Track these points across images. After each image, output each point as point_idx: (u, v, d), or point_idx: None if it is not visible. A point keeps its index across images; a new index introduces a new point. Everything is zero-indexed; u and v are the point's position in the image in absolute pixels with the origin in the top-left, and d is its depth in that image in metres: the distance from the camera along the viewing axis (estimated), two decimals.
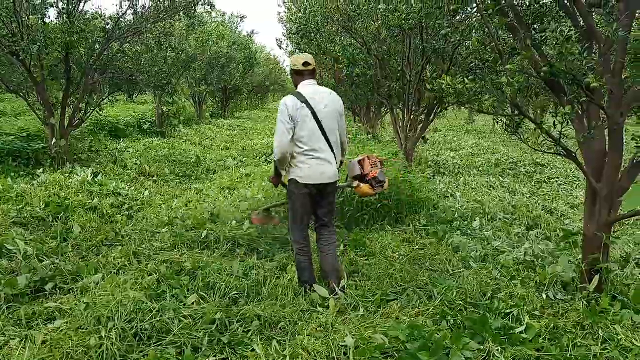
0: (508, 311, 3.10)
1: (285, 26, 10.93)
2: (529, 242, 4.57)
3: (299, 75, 3.43)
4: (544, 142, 3.45)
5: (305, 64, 3.39)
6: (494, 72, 3.62)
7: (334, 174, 3.44)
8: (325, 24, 8.21)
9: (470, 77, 3.44)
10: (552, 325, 2.90)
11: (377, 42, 7.84)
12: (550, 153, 3.36)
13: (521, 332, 2.82)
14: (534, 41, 3.33)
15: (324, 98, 3.36)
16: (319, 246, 3.63)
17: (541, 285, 3.63)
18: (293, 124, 3.24)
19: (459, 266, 4.07)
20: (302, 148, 3.30)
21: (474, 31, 5.02)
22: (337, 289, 3.44)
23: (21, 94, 7.50)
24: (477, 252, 4.36)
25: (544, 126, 3.24)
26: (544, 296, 3.35)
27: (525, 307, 3.16)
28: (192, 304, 3.02)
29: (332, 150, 3.41)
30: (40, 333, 2.53)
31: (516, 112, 3.45)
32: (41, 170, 6.40)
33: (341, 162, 3.66)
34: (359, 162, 3.65)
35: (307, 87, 3.37)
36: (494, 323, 2.87)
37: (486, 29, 3.53)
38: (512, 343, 2.72)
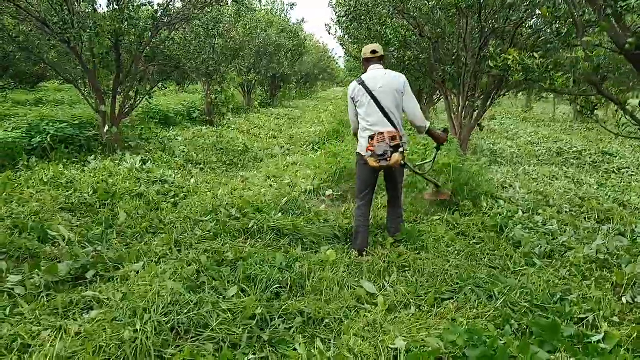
0: (582, 316, 2.75)
1: (334, 10, 10.61)
2: (602, 237, 4.12)
3: (367, 61, 3.86)
4: (626, 126, 3.03)
5: (373, 51, 3.82)
6: (567, 45, 3.22)
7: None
8: (376, 6, 7.84)
9: (539, 52, 3.06)
10: (635, 334, 2.53)
11: (431, 23, 7.42)
12: (634, 138, 2.94)
13: (598, 341, 2.48)
14: (615, 10, 2.91)
15: (380, 79, 3.69)
16: (387, 216, 4.11)
17: (617, 287, 3.24)
18: (354, 104, 3.81)
19: (521, 263, 3.72)
20: (363, 123, 3.77)
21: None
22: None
23: (76, 84, 7.65)
24: (541, 247, 3.98)
25: (627, 107, 2.84)
26: (624, 300, 2.95)
27: (602, 312, 2.80)
28: (232, 296, 2.86)
29: (394, 126, 3.65)
30: (75, 324, 2.43)
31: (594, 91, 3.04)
32: (92, 157, 6.49)
33: (429, 133, 3.85)
34: (370, 137, 3.70)
35: (369, 72, 3.80)
36: (566, 330, 2.54)
37: None
38: (588, 354, 2.38)
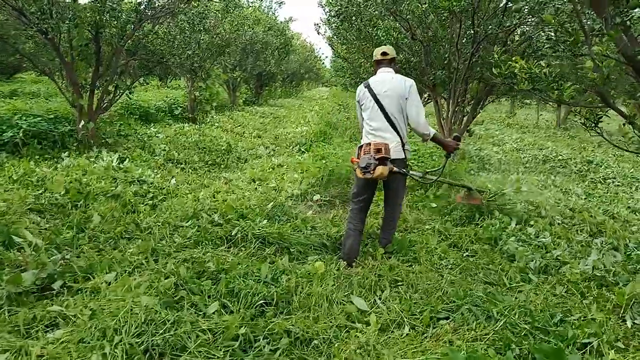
0: (585, 341, 2.60)
1: (324, 9, 10.40)
2: (596, 252, 4.00)
3: (377, 63, 3.79)
4: (632, 140, 2.90)
5: (383, 53, 3.74)
6: (573, 55, 3.07)
7: (392, 152, 3.55)
8: (367, 6, 7.66)
9: (544, 61, 2.91)
10: None
11: (423, 26, 7.27)
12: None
13: None
14: (623, 20, 2.77)
15: (386, 83, 3.60)
16: (381, 225, 3.96)
17: (617, 307, 3.10)
18: (360, 107, 3.77)
19: (517, 279, 3.56)
20: (366, 127, 3.71)
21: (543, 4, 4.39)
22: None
23: (52, 76, 7.29)
24: (535, 262, 3.83)
25: (635, 121, 2.70)
26: (628, 324, 2.81)
27: (605, 337, 2.65)
28: (213, 313, 2.63)
29: (396, 130, 3.57)
30: (37, 345, 2.18)
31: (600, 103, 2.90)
32: (66, 153, 6.16)
33: (435, 141, 3.80)
34: (359, 147, 3.71)
35: (377, 75, 3.73)
36: (571, 357, 2.38)
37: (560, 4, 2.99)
38: None
